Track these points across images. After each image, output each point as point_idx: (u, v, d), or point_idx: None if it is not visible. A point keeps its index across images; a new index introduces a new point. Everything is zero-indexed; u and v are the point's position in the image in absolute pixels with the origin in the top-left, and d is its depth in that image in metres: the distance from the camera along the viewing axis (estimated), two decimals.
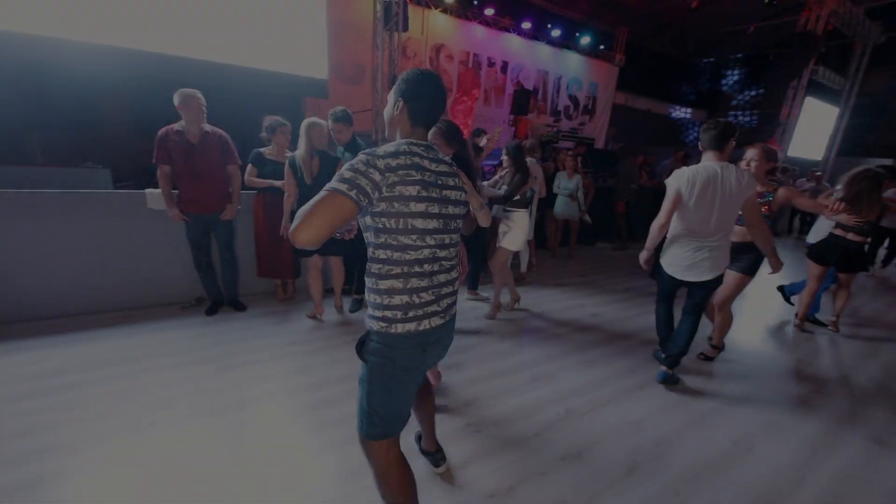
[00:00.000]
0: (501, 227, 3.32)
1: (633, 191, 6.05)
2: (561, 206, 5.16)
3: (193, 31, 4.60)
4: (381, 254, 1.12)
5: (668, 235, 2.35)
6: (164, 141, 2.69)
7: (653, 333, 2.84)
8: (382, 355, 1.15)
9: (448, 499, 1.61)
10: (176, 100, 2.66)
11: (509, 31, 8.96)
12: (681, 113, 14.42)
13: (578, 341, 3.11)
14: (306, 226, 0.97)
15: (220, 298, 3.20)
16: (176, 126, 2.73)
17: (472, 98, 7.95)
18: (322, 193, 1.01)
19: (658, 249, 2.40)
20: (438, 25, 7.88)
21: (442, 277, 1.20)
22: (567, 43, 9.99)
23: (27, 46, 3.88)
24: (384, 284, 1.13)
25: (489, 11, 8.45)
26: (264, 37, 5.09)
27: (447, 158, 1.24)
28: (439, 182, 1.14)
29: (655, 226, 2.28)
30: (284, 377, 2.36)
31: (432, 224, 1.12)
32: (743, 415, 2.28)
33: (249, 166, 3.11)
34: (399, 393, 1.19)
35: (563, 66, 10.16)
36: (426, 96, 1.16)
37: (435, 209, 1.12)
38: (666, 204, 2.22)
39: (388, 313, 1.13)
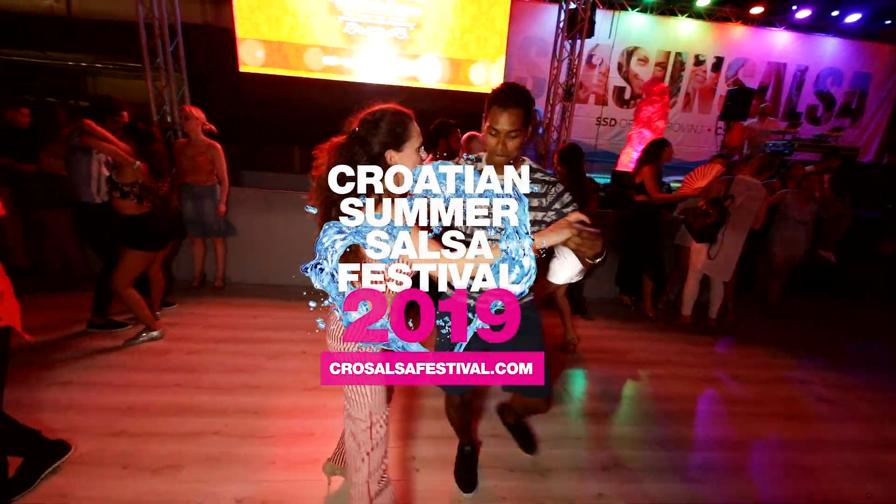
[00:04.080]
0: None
1: None
2: (786, 245, 3.59)
3: (381, 58, 5.75)
4: None
5: None
6: None
7: None
8: None
9: None
10: None
11: (730, 21, 7.40)
12: None
13: (793, 433, 2.23)
14: None
15: None
16: None
17: (663, 103, 6.82)
18: None
19: None
20: (632, 27, 7.13)
21: None
22: (821, 24, 7.56)
23: (295, 84, 5.67)
24: None
25: (702, 3, 7.15)
26: (447, 57, 5.73)
27: None
28: None
29: None
30: None
31: None
32: None
33: None
34: None
35: (812, 55, 7.76)
36: None
37: None
38: None
39: None
